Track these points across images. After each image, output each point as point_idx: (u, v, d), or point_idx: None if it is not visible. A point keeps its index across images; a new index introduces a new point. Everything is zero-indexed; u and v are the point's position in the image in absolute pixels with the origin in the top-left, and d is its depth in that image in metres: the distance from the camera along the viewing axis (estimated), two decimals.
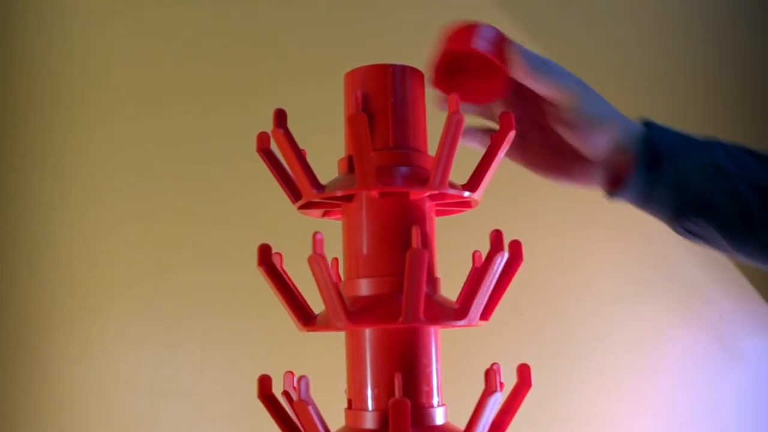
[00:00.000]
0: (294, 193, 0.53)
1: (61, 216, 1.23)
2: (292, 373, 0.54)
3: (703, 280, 1.31)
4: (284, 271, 0.53)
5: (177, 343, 1.21)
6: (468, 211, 0.58)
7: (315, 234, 0.50)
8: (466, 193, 0.51)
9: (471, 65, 0.56)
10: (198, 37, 1.29)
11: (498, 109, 0.62)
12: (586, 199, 1.27)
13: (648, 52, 1.37)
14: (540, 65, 0.56)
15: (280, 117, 0.50)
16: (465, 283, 0.54)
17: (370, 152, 0.47)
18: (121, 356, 1.20)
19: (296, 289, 0.53)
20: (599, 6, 1.37)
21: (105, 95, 1.27)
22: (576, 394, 1.25)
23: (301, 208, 0.54)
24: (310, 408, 0.47)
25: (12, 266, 1.22)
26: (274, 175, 0.54)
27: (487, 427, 0.50)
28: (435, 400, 0.50)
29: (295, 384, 0.49)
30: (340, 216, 0.54)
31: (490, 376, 0.49)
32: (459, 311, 0.49)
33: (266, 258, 0.52)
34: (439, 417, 0.50)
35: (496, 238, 0.51)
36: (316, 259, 0.46)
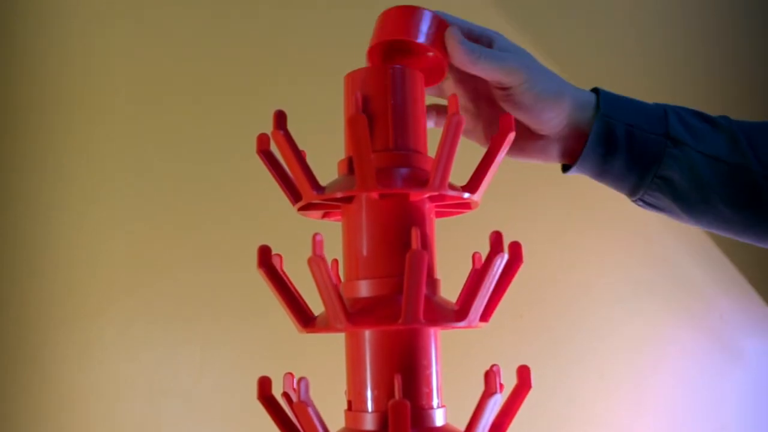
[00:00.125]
0: (294, 194, 0.53)
1: (61, 216, 1.23)
2: (291, 374, 0.54)
3: (702, 280, 1.31)
4: (284, 273, 0.53)
5: (177, 344, 1.21)
6: (468, 213, 0.58)
7: (315, 235, 0.50)
8: (466, 195, 0.51)
9: (410, 47, 0.56)
10: (198, 37, 1.29)
11: (447, 84, 0.62)
12: (585, 201, 1.28)
13: (648, 52, 1.37)
14: (479, 51, 0.55)
15: (280, 118, 0.50)
16: (465, 285, 0.54)
17: (369, 154, 0.47)
18: (121, 357, 1.20)
19: (296, 290, 0.53)
20: (599, 6, 1.37)
21: (105, 95, 1.27)
22: (576, 395, 1.25)
23: (300, 209, 0.54)
24: (310, 409, 0.47)
25: (12, 266, 1.22)
26: (274, 177, 0.54)
27: (486, 429, 0.50)
28: (435, 402, 0.50)
29: (295, 385, 0.49)
30: (339, 217, 0.54)
31: (490, 377, 0.49)
32: (459, 313, 0.49)
33: (266, 259, 0.52)
34: (438, 418, 0.50)
35: (496, 239, 0.51)
36: (316, 260, 0.46)
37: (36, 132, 1.25)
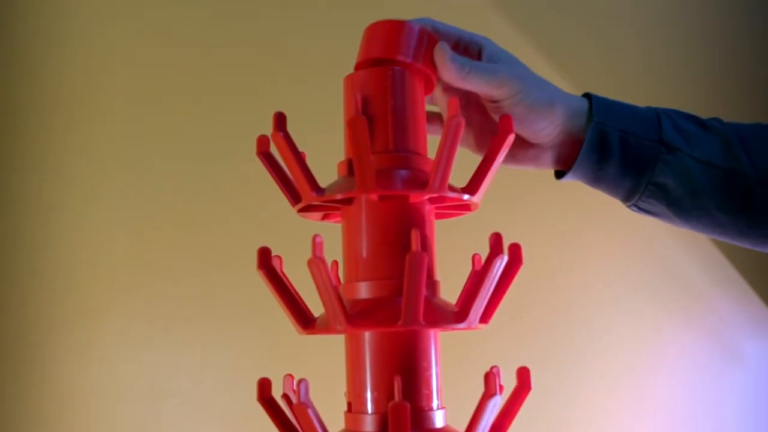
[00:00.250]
0: (294, 196, 0.53)
1: (61, 216, 1.23)
2: (291, 376, 0.54)
3: (702, 282, 1.31)
4: (284, 274, 0.53)
5: (177, 345, 1.21)
6: (467, 214, 0.58)
7: (315, 237, 0.50)
8: (466, 196, 0.51)
9: (398, 61, 0.56)
10: (198, 37, 1.29)
11: (437, 92, 0.61)
12: (585, 202, 1.28)
13: (648, 52, 1.37)
14: (469, 66, 0.54)
15: (280, 120, 0.50)
16: (464, 286, 0.54)
17: (369, 155, 0.47)
18: (121, 357, 1.20)
19: (296, 292, 0.53)
20: (599, 6, 1.37)
21: (105, 95, 1.27)
22: (576, 396, 1.25)
23: (300, 211, 0.54)
24: (310, 411, 0.47)
25: (12, 266, 1.22)
26: (274, 178, 0.54)
27: (486, 430, 0.50)
28: (435, 403, 0.50)
29: (295, 387, 0.49)
30: (339, 219, 0.54)
31: (490, 379, 0.49)
32: (459, 314, 0.49)
33: (266, 261, 0.52)
34: (438, 420, 0.50)
35: (496, 241, 0.50)
36: (316, 262, 0.46)
37: (36, 132, 1.25)
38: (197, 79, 1.28)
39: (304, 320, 0.52)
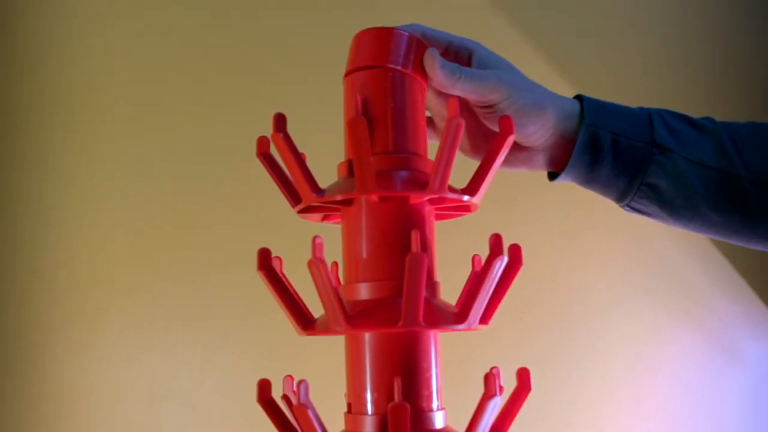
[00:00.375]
0: (294, 197, 0.53)
1: (61, 216, 1.23)
2: (291, 377, 0.54)
3: (702, 282, 1.31)
4: (284, 275, 0.53)
5: (177, 345, 1.21)
6: (467, 215, 0.58)
7: (314, 238, 0.50)
8: (466, 197, 0.51)
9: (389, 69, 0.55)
10: (198, 37, 1.29)
11: (429, 97, 0.61)
12: (585, 203, 1.28)
13: (648, 52, 1.37)
14: (459, 73, 0.54)
15: (280, 121, 0.50)
16: (464, 287, 0.54)
17: (369, 156, 0.47)
18: (120, 358, 1.20)
19: (296, 293, 0.53)
20: (599, 6, 1.37)
21: (105, 95, 1.27)
22: (576, 397, 1.25)
23: (300, 212, 0.54)
24: (310, 412, 0.47)
25: (12, 266, 1.22)
26: (274, 180, 0.54)
27: (486, 431, 0.50)
28: (435, 404, 0.50)
29: (295, 388, 0.49)
30: (339, 220, 0.54)
31: (490, 379, 0.49)
32: (458, 315, 0.49)
33: (266, 262, 0.52)
34: (438, 421, 0.50)
35: (496, 241, 0.50)
36: (316, 263, 0.45)
37: (36, 132, 1.25)
38: (197, 79, 1.28)
39: (304, 321, 0.52)
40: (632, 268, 1.30)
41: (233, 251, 1.22)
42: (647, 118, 0.60)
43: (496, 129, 0.57)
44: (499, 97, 0.55)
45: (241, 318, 1.21)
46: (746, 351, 1.30)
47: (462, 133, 0.48)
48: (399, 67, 0.53)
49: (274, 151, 0.53)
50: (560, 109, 0.58)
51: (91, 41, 1.28)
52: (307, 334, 0.51)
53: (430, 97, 0.61)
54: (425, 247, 0.50)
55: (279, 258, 0.53)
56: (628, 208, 0.62)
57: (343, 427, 0.51)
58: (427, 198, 0.51)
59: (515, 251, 0.53)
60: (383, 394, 0.49)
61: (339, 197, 0.49)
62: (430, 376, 0.50)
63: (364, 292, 0.50)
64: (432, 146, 0.52)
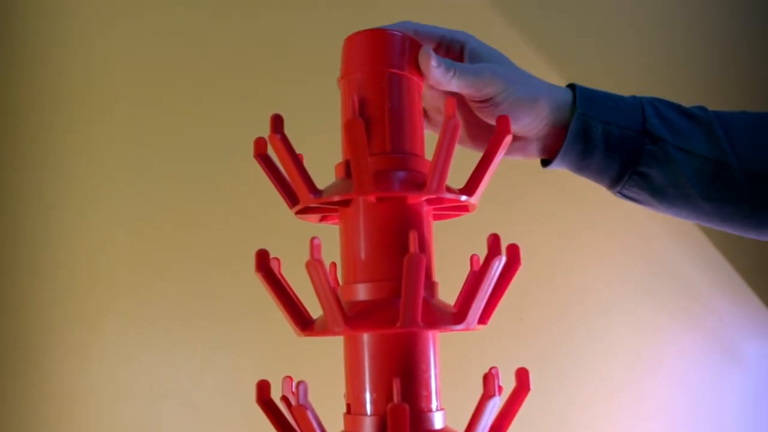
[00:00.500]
0: (291, 198, 0.53)
1: (61, 216, 1.23)
2: (290, 377, 0.54)
3: (702, 282, 1.31)
4: (282, 276, 0.53)
5: (176, 345, 1.21)
6: (465, 215, 0.58)
7: (312, 239, 0.50)
8: (464, 197, 0.51)
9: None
10: (198, 37, 1.29)
11: (424, 91, 0.61)
12: (584, 203, 1.28)
13: (648, 52, 1.37)
14: (453, 69, 0.54)
15: (277, 122, 0.50)
16: (463, 287, 0.54)
17: (367, 157, 0.47)
18: (120, 358, 1.20)
19: (294, 294, 0.53)
20: (599, 6, 1.37)
21: (105, 95, 1.27)
22: (575, 397, 1.25)
23: (298, 213, 0.54)
24: (309, 413, 0.47)
25: (12, 266, 1.22)
26: (272, 181, 0.54)
27: (485, 431, 0.50)
28: (434, 405, 0.50)
29: (294, 389, 0.49)
30: (337, 221, 0.54)
31: (489, 380, 0.49)
32: (457, 315, 0.49)
33: (264, 263, 0.52)
34: (437, 421, 0.50)
35: (494, 241, 0.50)
36: (314, 264, 0.46)
37: (36, 132, 1.25)
38: (197, 79, 1.28)
39: (303, 322, 0.52)
40: (632, 268, 1.30)
41: (233, 251, 1.22)
42: (639, 107, 0.60)
43: (491, 122, 0.57)
44: (494, 92, 0.56)
45: (241, 318, 1.21)
46: (746, 351, 1.30)
47: (459, 133, 0.48)
48: (395, 70, 0.53)
49: (271, 152, 0.53)
50: (553, 100, 0.58)
51: (91, 41, 1.28)
52: (306, 335, 0.51)
53: (424, 89, 0.61)
54: (423, 247, 0.50)
55: (277, 259, 0.53)
56: (619, 195, 0.62)
57: (342, 427, 0.51)
58: (424, 198, 0.51)
59: (513, 251, 0.53)
60: (382, 395, 0.49)
61: (336, 198, 0.49)
62: (429, 376, 0.50)
63: (362, 292, 0.50)
64: (429, 146, 0.52)
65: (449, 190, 0.49)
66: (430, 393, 0.50)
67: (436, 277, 0.53)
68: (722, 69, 1.37)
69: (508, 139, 0.52)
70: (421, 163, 0.52)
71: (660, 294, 1.29)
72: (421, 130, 0.54)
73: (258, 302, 1.15)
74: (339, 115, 0.54)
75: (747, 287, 1.32)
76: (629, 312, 1.28)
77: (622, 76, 1.34)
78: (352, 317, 0.48)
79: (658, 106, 0.60)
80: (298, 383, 0.48)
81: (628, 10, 1.38)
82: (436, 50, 0.57)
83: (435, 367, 0.50)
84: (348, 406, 0.51)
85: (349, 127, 0.46)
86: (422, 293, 0.46)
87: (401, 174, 0.50)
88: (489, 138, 0.62)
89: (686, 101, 0.64)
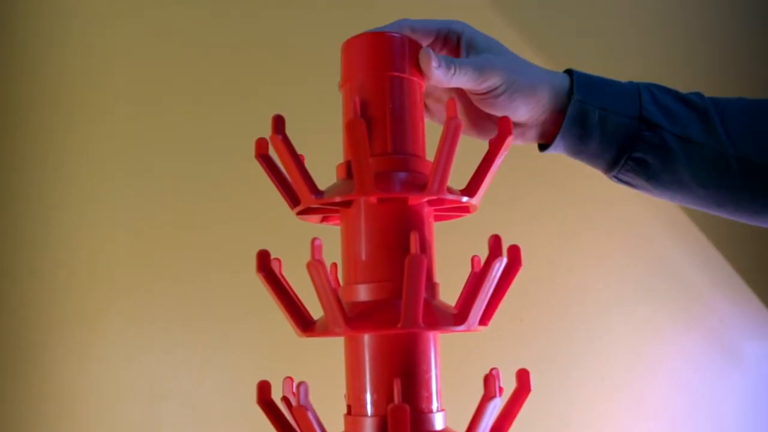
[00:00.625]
0: (292, 198, 0.53)
1: (61, 216, 1.23)
2: (291, 378, 0.54)
3: (702, 283, 1.31)
4: (283, 277, 0.53)
5: (177, 346, 1.21)
6: (466, 216, 0.58)
7: (313, 240, 0.50)
8: (465, 198, 0.51)
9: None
10: (198, 37, 1.29)
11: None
12: (584, 203, 1.27)
13: (648, 52, 1.37)
14: (454, 67, 0.54)
15: (278, 123, 0.50)
16: (464, 288, 0.54)
17: (368, 158, 0.46)
18: (120, 358, 1.20)
19: (295, 294, 0.53)
20: (599, 6, 1.37)
21: (105, 95, 1.27)
22: (575, 397, 1.25)
23: (299, 213, 0.54)
24: (309, 413, 0.47)
25: (12, 266, 1.22)
26: (273, 181, 0.54)
27: None
28: (434, 405, 0.50)
29: (295, 389, 0.49)
30: (338, 221, 0.54)
31: (489, 381, 0.49)
32: (458, 316, 0.49)
33: (265, 264, 0.52)
34: (438, 422, 0.50)
35: (495, 242, 0.50)
36: (315, 265, 0.45)
37: (36, 132, 1.25)
38: (197, 79, 1.28)
39: (304, 323, 0.52)
40: (631, 268, 1.30)
41: (233, 251, 1.22)
42: (636, 92, 0.60)
43: (491, 112, 0.58)
44: (494, 84, 0.56)
45: (241, 318, 1.21)
46: (746, 351, 1.30)
47: (460, 134, 0.48)
48: (396, 73, 0.53)
49: (273, 152, 0.53)
50: (551, 87, 0.59)
51: (91, 41, 1.28)
52: (307, 336, 0.51)
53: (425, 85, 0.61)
54: (424, 248, 0.50)
55: (278, 259, 0.53)
56: (615, 179, 0.63)
57: (342, 428, 0.51)
58: (426, 199, 0.51)
59: (514, 252, 0.53)
60: (383, 396, 0.49)
61: (338, 199, 0.49)
62: (430, 377, 0.50)
63: (363, 293, 0.50)
64: (431, 147, 0.52)
65: (450, 191, 0.49)
66: (430, 394, 0.50)
67: (437, 277, 0.53)
68: (722, 69, 1.37)
69: (509, 140, 0.52)
70: (423, 164, 0.52)
71: (660, 294, 1.29)
72: (422, 131, 0.54)
73: (258, 302, 1.15)
74: (339, 116, 0.54)
75: (747, 287, 1.32)
76: (629, 312, 1.28)
77: (622, 76, 1.33)
78: (353, 318, 0.48)
79: (655, 92, 0.61)
80: (299, 384, 0.48)
81: (628, 10, 1.38)
82: (433, 44, 0.58)
83: (436, 367, 0.50)
84: (348, 406, 0.51)
85: (350, 128, 0.46)
86: (423, 294, 0.46)
87: (402, 175, 0.50)
88: (489, 125, 0.62)
89: None
